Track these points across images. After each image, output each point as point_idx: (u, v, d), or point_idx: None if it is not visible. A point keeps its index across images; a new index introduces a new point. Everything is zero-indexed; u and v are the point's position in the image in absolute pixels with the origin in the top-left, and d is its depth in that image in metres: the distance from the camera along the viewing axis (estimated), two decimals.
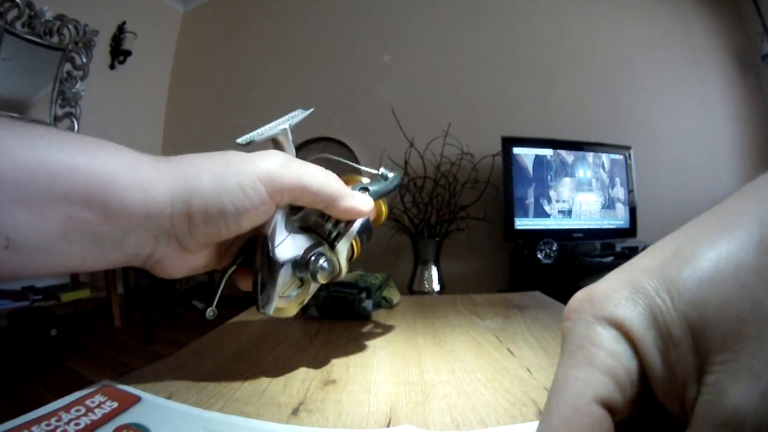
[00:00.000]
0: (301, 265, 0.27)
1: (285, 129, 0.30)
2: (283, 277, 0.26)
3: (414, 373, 0.29)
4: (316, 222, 0.29)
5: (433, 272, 1.85)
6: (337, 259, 0.28)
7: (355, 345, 0.35)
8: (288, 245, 0.27)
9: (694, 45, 1.99)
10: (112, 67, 2.50)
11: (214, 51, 2.80)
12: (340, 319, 0.43)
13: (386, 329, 0.40)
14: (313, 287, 0.29)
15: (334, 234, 0.28)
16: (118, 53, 2.48)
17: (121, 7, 2.48)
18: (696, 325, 0.11)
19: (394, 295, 0.50)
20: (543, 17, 2.12)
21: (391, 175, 0.33)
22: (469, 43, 2.20)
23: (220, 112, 2.66)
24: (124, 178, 0.21)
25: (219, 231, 0.24)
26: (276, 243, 0.26)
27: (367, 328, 0.41)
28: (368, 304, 0.43)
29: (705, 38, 1.99)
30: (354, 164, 0.36)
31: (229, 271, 0.27)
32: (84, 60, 2.28)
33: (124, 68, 2.54)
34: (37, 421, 0.20)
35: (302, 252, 0.27)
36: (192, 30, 2.91)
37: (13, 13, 1.95)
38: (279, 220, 0.27)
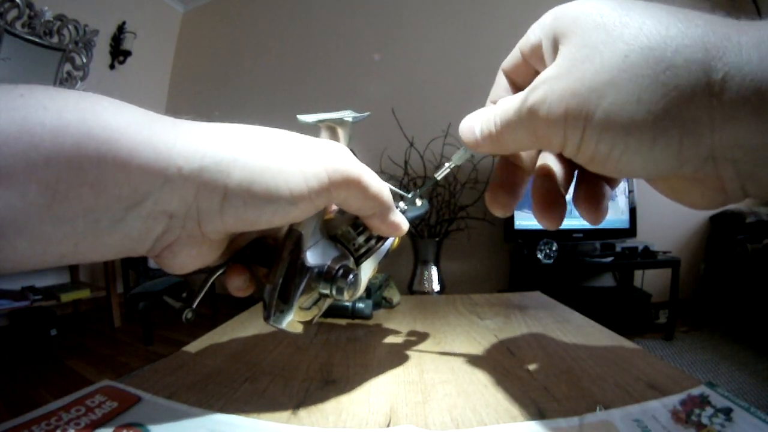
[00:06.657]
0: (325, 276, 0.23)
1: (350, 120, 0.28)
2: (307, 285, 0.23)
3: (414, 373, 0.29)
4: (345, 233, 0.26)
5: (433, 272, 1.85)
6: (360, 277, 0.25)
7: (355, 345, 0.35)
8: (317, 251, 0.23)
9: None
10: (112, 67, 2.50)
11: (214, 51, 2.80)
12: (340, 319, 0.43)
13: (386, 329, 0.40)
14: (327, 304, 0.26)
15: (363, 250, 0.26)
16: (118, 53, 2.48)
17: (121, 7, 2.48)
18: None
19: (394, 295, 0.50)
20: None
21: (419, 202, 0.30)
22: (470, 42, 2.20)
23: (220, 112, 2.66)
24: (129, 134, 0.17)
25: (259, 217, 0.20)
26: (307, 245, 0.23)
27: (367, 328, 0.41)
28: (368, 304, 0.43)
29: None
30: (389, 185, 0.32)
31: (219, 272, 0.24)
32: (84, 60, 2.28)
33: (124, 68, 2.54)
34: (37, 421, 0.20)
35: (329, 262, 0.24)
36: (192, 30, 2.91)
37: (13, 13, 1.95)
38: (315, 220, 0.23)
